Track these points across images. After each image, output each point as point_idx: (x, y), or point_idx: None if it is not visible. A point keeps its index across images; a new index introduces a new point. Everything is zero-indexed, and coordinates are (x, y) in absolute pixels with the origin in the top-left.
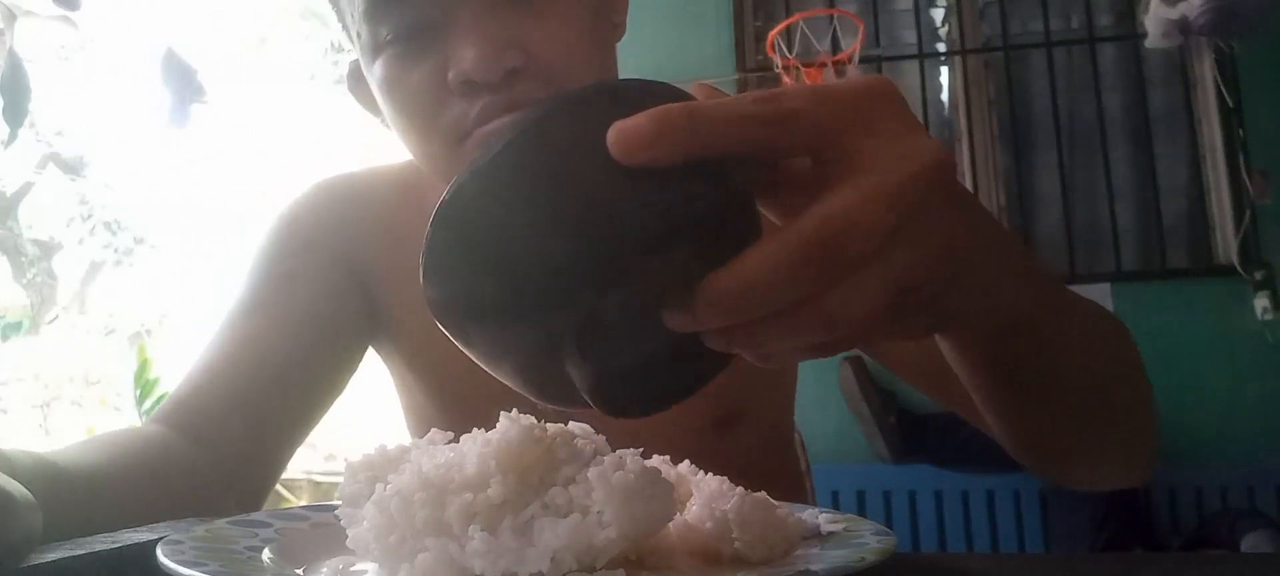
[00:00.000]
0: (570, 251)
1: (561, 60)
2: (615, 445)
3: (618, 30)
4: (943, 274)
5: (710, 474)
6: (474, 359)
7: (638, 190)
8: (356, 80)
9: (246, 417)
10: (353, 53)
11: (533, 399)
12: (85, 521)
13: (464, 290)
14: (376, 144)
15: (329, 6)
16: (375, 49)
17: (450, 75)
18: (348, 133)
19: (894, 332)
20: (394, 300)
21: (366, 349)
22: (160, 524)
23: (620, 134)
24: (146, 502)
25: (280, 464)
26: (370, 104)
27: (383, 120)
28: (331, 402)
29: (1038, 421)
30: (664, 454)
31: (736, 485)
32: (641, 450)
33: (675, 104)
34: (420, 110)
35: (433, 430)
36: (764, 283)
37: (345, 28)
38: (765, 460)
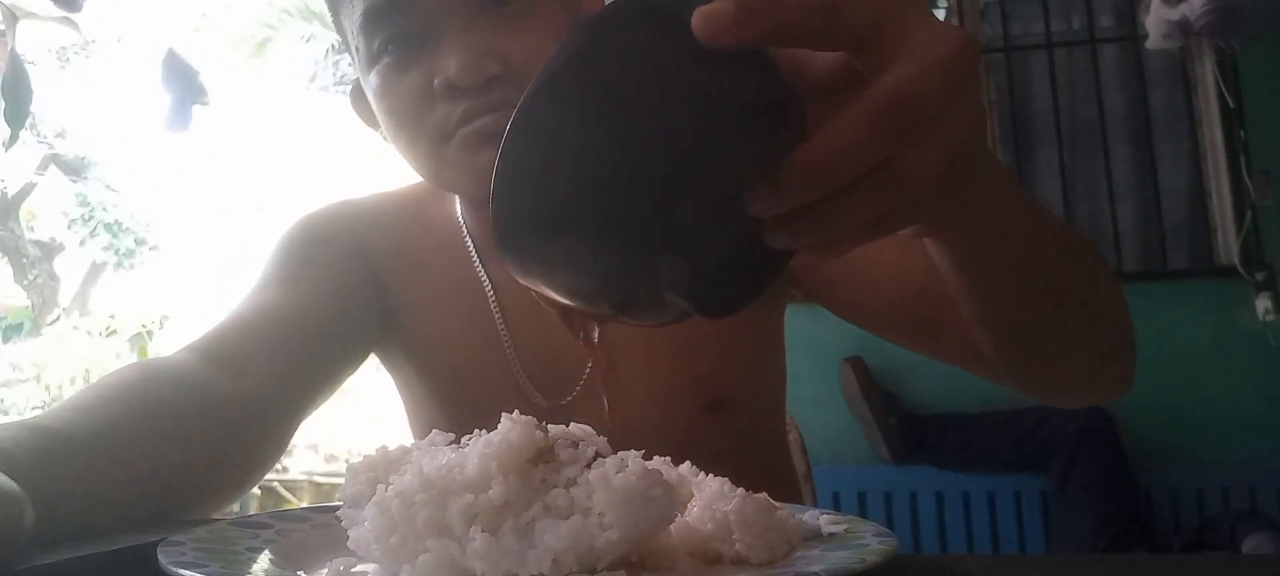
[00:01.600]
0: (655, 147)
1: (538, 66)
2: (606, 430)
3: None
4: (980, 143)
5: (709, 475)
6: (547, 285)
7: (711, 83)
8: (358, 98)
9: (275, 358)
10: (355, 70)
11: (610, 316)
12: (91, 486)
13: (546, 200)
14: (376, 147)
15: (332, 15)
16: (370, 60)
17: (436, 82)
18: (348, 134)
19: (939, 207)
20: (404, 302)
21: (371, 346)
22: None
23: (707, 16)
24: (164, 445)
25: (302, 412)
26: (371, 119)
27: (382, 134)
28: (339, 382)
29: (1016, 321)
30: (655, 438)
31: (727, 471)
32: (644, 453)
33: None
34: (409, 113)
35: (434, 431)
36: (850, 146)
37: (347, 44)
38: (756, 447)
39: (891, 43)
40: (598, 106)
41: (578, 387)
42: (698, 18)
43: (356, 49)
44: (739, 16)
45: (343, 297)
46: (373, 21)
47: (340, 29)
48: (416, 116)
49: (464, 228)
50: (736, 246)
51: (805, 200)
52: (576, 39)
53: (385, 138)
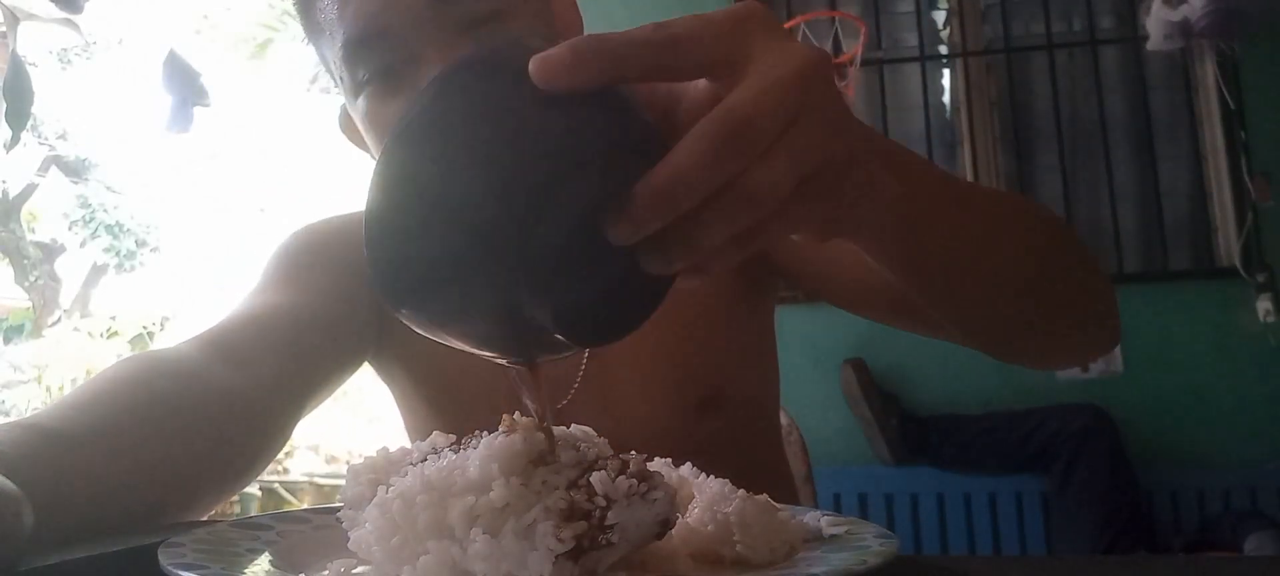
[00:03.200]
0: (505, 185)
1: None
2: (599, 427)
3: None
4: (838, 156)
5: (710, 476)
6: (435, 335)
7: (557, 122)
8: (346, 122)
9: (277, 353)
10: (340, 96)
11: (503, 358)
12: (90, 484)
13: (413, 255)
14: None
15: (313, 45)
16: (355, 89)
17: None
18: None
19: (805, 220)
20: None
21: (367, 354)
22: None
23: (542, 62)
24: (163, 439)
25: (301, 409)
26: (359, 142)
27: (372, 156)
28: (337, 383)
29: (959, 298)
30: (649, 436)
31: (721, 467)
32: (646, 456)
33: (586, 35)
34: None
35: (434, 432)
36: (691, 168)
37: (330, 73)
38: (750, 443)
39: (737, 68)
40: (448, 156)
41: (572, 392)
42: (533, 64)
43: (341, 78)
44: (572, 62)
45: (341, 302)
46: (354, 53)
47: (322, 59)
48: None
49: None
50: (612, 276)
51: (658, 225)
52: (426, 92)
53: (374, 160)
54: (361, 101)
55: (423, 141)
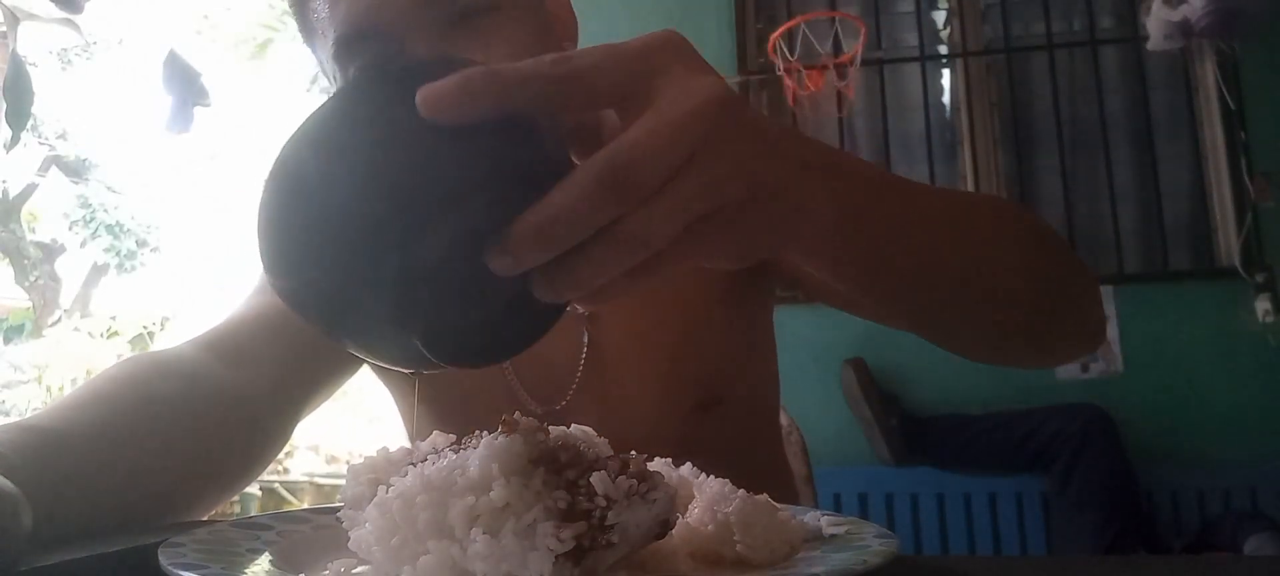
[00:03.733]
0: (389, 203)
1: None
2: (598, 427)
3: (564, 48)
4: (737, 196)
5: (710, 476)
6: (328, 337)
7: (448, 147)
8: None
9: (278, 354)
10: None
11: (369, 360)
12: (89, 484)
13: (299, 257)
14: None
15: (307, 43)
16: None
17: None
18: None
19: (702, 254)
20: None
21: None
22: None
23: (428, 94)
24: (163, 439)
25: (301, 410)
26: None
27: None
28: (336, 385)
29: (929, 313)
30: (650, 437)
31: (722, 468)
32: (646, 456)
33: (478, 67)
34: None
35: (434, 432)
36: (566, 211)
37: (323, 71)
38: (750, 444)
39: (641, 102)
40: (338, 167)
41: (571, 392)
42: (421, 94)
43: (333, 77)
44: (461, 95)
45: None
46: (345, 50)
47: (318, 60)
48: None
49: None
50: (499, 300)
51: (537, 261)
52: (334, 97)
53: None
54: None
55: (317, 146)
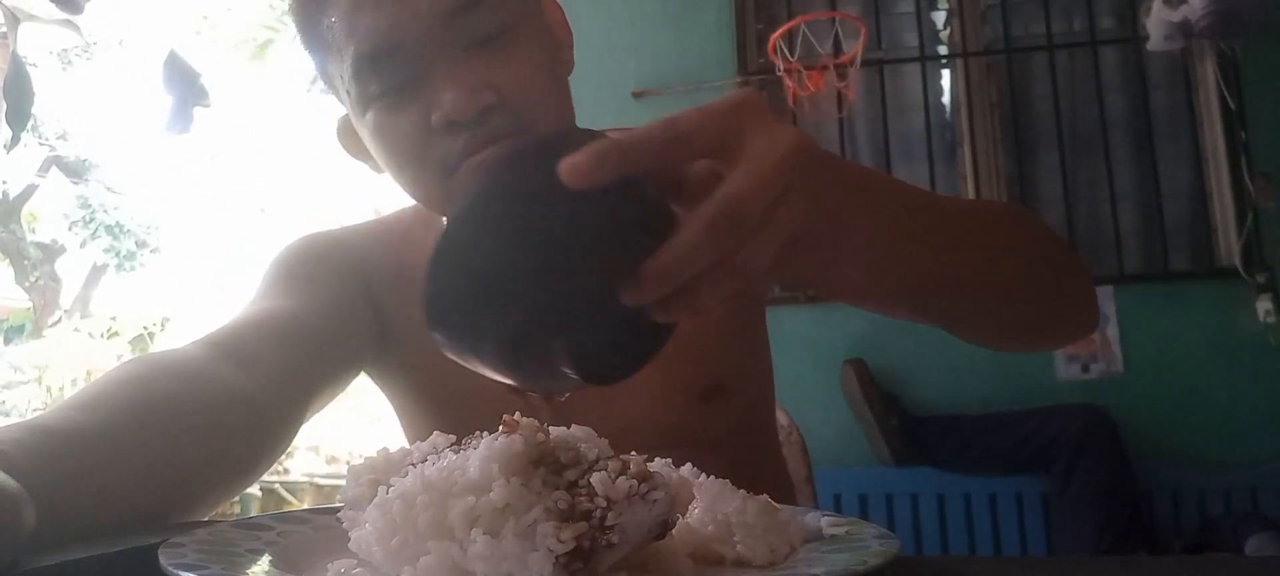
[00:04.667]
0: (542, 259)
1: (527, 96)
2: (601, 419)
3: (568, 66)
4: (818, 226)
5: (711, 476)
6: (472, 364)
7: (582, 210)
8: (346, 133)
9: (282, 356)
10: (346, 109)
11: (518, 384)
12: (93, 484)
13: (463, 306)
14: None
15: (315, 60)
16: (364, 103)
17: (434, 118)
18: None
19: (790, 275)
20: (401, 318)
21: (366, 361)
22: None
23: (569, 166)
24: (167, 439)
25: (304, 412)
26: (360, 153)
27: (372, 166)
28: (338, 389)
29: (936, 307)
30: (654, 426)
31: (723, 458)
32: (647, 457)
33: (604, 139)
34: (411, 151)
35: (435, 433)
36: (689, 254)
37: (334, 88)
38: (750, 435)
39: (731, 157)
40: (493, 230)
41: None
42: (562, 167)
43: (348, 93)
44: (593, 164)
45: (342, 309)
46: (366, 68)
47: (325, 74)
48: (420, 152)
49: None
50: (623, 324)
51: (662, 293)
52: (486, 175)
53: (376, 171)
54: (371, 115)
55: (484, 220)
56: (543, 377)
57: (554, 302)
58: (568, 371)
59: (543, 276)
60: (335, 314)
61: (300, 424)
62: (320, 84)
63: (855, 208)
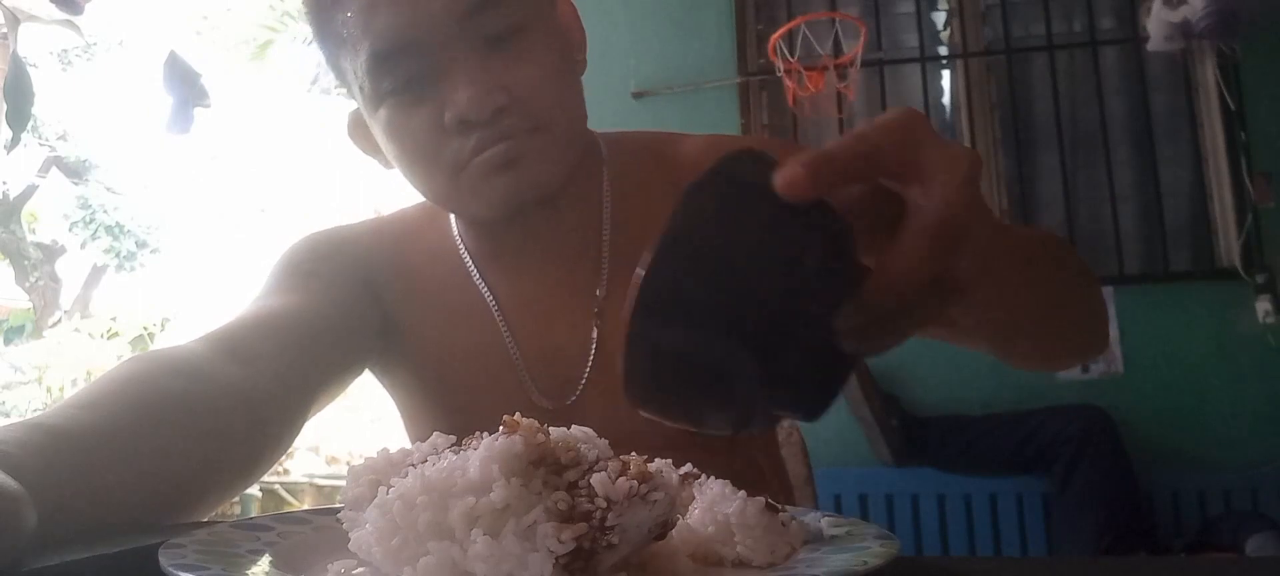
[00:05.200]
0: (753, 294)
1: (539, 97)
2: (606, 421)
3: (581, 66)
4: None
5: (711, 477)
6: (672, 417)
7: (791, 230)
8: (357, 128)
9: (285, 354)
10: (359, 104)
11: (732, 432)
12: (94, 483)
13: (670, 346)
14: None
15: (327, 54)
16: (377, 99)
17: (447, 116)
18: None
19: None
20: (407, 316)
21: (370, 359)
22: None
23: (786, 179)
24: (169, 437)
25: (306, 410)
26: (371, 149)
27: (382, 162)
28: (341, 387)
29: (1007, 333)
30: (656, 431)
31: (723, 458)
32: (647, 458)
33: (813, 152)
34: (423, 149)
35: (435, 433)
36: (919, 265)
37: (346, 84)
38: (749, 437)
39: (919, 168)
40: (707, 267)
41: (581, 388)
42: (779, 179)
43: (361, 88)
44: (808, 176)
45: (346, 307)
46: (380, 64)
47: (337, 69)
48: (431, 150)
49: (461, 246)
50: (815, 356)
51: (885, 315)
52: (683, 209)
53: (386, 166)
54: (383, 111)
55: (684, 253)
56: (752, 421)
57: (765, 340)
58: (780, 410)
59: (752, 313)
60: (339, 311)
61: (303, 421)
62: (319, 85)
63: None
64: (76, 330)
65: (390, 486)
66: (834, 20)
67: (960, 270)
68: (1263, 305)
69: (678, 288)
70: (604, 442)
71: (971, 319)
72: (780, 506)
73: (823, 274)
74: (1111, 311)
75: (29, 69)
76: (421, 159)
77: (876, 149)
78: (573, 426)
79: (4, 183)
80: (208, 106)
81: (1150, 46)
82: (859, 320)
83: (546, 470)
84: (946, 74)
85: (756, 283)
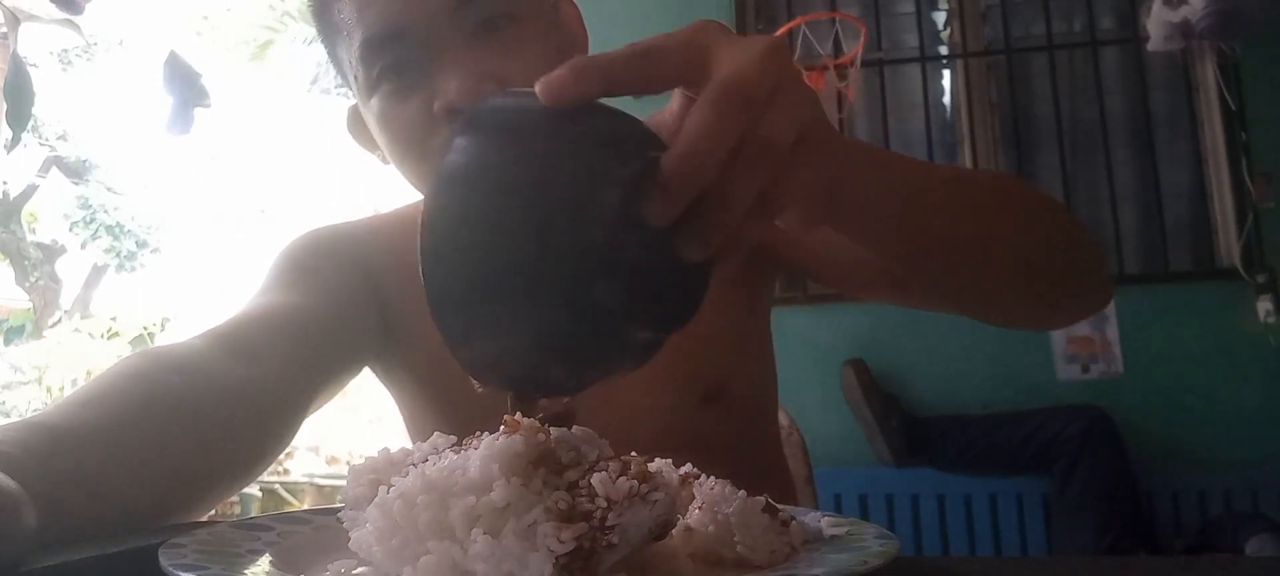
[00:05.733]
0: (544, 199)
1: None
2: (604, 420)
3: None
4: (821, 121)
5: (711, 477)
6: (496, 361)
7: (571, 134)
8: (355, 124)
9: (286, 351)
10: (354, 97)
11: (538, 381)
12: (94, 482)
13: (473, 281)
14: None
15: (326, 45)
16: (370, 87)
17: (436, 105)
18: (348, 137)
19: (807, 182)
20: (406, 314)
21: (369, 356)
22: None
23: (548, 82)
24: (169, 436)
25: (307, 407)
26: (369, 143)
27: (381, 157)
28: (341, 385)
29: (952, 280)
30: (656, 428)
31: (724, 460)
32: (647, 458)
33: (581, 56)
34: (412, 138)
35: (435, 433)
36: (706, 127)
37: (343, 73)
38: (752, 436)
39: (709, 64)
40: (490, 187)
41: None
42: (541, 85)
43: (355, 77)
44: (573, 77)
45: (346, 304)
46: (372, 50)
47: (335, 59)
48: (419, 141)
49: None
50: (658, 269)
51: (691, 193)
52: (461, 139)
53: (384, 161)
54: (376, 102)
55: (468, 182)
56: (596, 352)
57: (576, 247)
58: (630, 327)
59: (550, 216)
60: (339, 308)
61: (303, 418)
62: (320, 84)
63: (838, 136)
64: (76, 330)
65: (390, 486)
66: (834, 20)
67: (803, 176)
68: (1263, 305)
69: (461, 225)
70: (604, 443)
71: (872, 247)
72: (780, 506)
73: (617, 164)
74: (1112, 311)
75: (29, 69)
76: (412, 149)
77: (655, 49)
78: (574, 426)
79: (4, 183)
80: (208, 106)
81: (1150, 46)
82: (661, 200)
83: (547, 470)
84: (946, 74)
85: (550, 204)
